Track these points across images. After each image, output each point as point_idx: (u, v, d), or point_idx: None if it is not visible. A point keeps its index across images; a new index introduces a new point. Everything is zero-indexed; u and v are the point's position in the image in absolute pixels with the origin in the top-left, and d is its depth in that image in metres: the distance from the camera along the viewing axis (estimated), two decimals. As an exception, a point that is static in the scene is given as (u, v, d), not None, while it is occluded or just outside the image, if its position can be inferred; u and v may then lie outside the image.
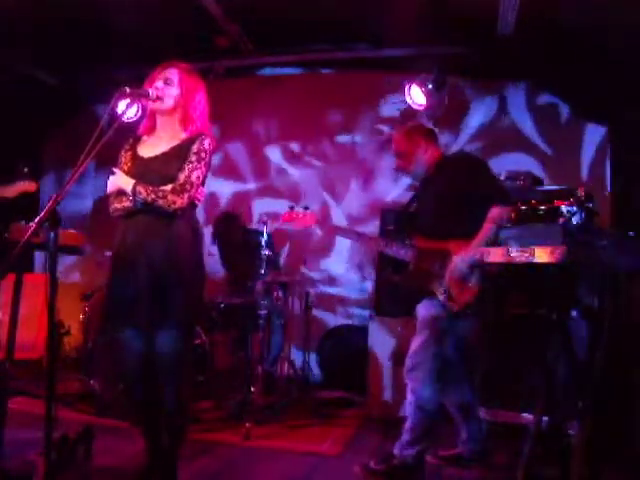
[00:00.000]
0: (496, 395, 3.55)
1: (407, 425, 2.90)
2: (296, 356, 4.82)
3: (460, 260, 2.80)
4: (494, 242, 2.69)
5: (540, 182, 4.14)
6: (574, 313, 3.26)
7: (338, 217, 5.43)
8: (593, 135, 4.89)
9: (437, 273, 2.88)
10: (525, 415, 3.38)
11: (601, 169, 4.83)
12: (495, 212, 2.81)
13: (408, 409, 2.91)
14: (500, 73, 4.98)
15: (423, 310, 2.96)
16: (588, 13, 3.74)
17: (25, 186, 2.77)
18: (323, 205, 5.47)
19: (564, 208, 3.72)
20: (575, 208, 3.70)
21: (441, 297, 2.86)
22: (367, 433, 3.76)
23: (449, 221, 2.90)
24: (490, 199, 2.84)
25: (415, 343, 2.92)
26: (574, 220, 3.67)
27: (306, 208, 3.44)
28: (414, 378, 2.88)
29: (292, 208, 3.41)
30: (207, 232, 4.63)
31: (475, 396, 3.14)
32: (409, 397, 2.91)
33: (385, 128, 5.40)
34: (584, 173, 4.85)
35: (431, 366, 2.85)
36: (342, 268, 5.42)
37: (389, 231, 4.00)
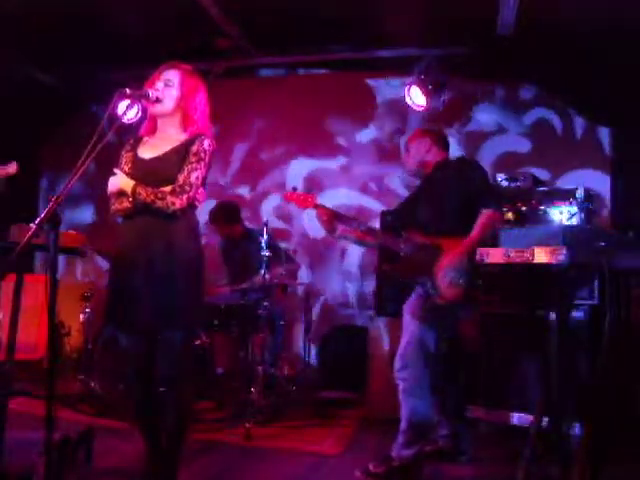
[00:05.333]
0: (496, 395, 3.56)
1: (402, 426, 2.92)
2: (296, 356, 4.82)
3: (447, 265, 2.86)
4: (494, 244, 2.71)
5: (540, 182, 4.15)
6: (574, 313, 3.27)
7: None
8: (593, 135, 4.89)
9: (426, 266, 2.92)
10: (525, 415, 3.38)
11: (601, 169, 4.83)
12: (485, 217, 2.89)
13: (403, 410, 2.93)
14: (500, 74, 4.98)
15: (408, 306, 3.03)
16: (588, 13, 3.74)
17: (7, 169, 2.79)
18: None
19: (564, 208, 3.74)
20: (575, 208, 3.71)
21: (426, 289, 2.92)
22: (368, 433, 3.76)
23: (444, 219, 2.99)
24: (483, 203, 2.92)
25: (403, 341, 2.98)
26: (574, 220, 3.68)
27: (309, 192, 3.47)
28: (405, 378, 2.92)
29: (295, 189, 3.40)
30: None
31: (459, 396, 3.19)
32: (401, 397, 2.94)
33: (386, 129, 5.40)
34: (584, 173, 4.85)
35: (422, 364, 2.89)
36: (343, 267, 5.43)
37: (387, 224, 4.03)
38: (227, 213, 4.76)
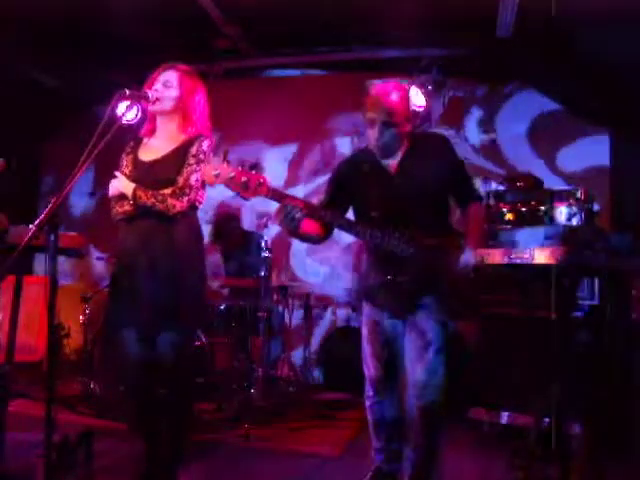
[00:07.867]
0: (497, 395, 3.55)
1: None
2: (296, 357, 4.82)
3: (470, 257, 2.40)
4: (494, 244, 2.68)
5: (540, 183, 4.15)
6: (574, 313, 3.27)
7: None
8: (593, 137, 4.89)
9: (440, 271, 2.44)
10: (525, 415, 3.38)
11: (601, 170, 4.83)
12: (482, 210, 2.61)
13: None
14: (499, 76, 4.98)
15: (431, 317, 2.51)
16: (588, 15, 3.74)
17: None
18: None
19: (564, 209, 3.74)
20: (575, 209, 3.71)
21: (439, 303, 2.48)
22: (367, 435, 3.74)
23: (437, 211, 2.52)
24: (474, 195, 2.59)
25: (431, 360, 2.51)
26: (574, 221, 3.68)
27: (253, 167, 2.16)
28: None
29: (227, 153, 2.10)
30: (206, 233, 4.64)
31: None
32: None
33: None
34: (584, 175, 4.85)
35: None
36: (343, 268, 5.42)
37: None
38: (226, 225, 4.74)
